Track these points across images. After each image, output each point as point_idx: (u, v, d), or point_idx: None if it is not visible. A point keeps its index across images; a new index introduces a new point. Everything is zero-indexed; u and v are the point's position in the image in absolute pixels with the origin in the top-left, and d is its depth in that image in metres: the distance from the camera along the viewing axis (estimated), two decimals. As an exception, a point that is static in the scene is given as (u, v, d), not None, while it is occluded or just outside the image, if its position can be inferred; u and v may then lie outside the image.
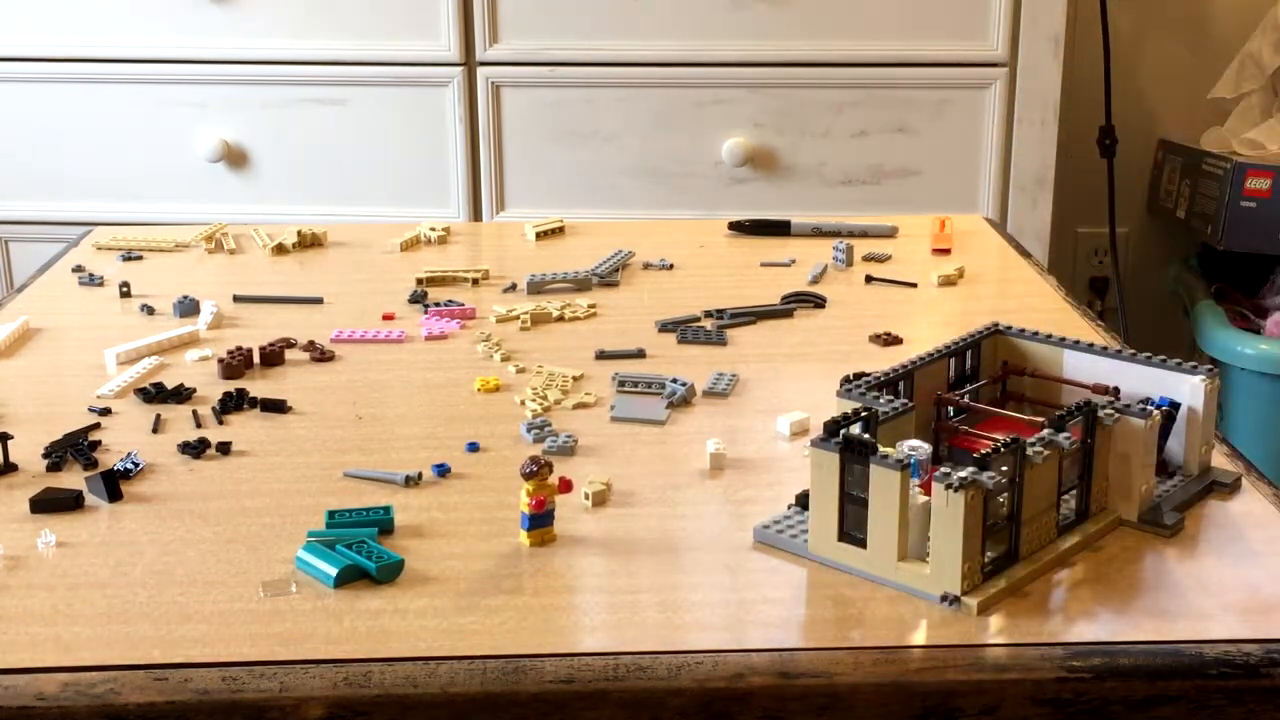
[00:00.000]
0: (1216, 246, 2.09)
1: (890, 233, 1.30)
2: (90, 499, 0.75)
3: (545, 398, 0.88)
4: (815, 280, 1.16)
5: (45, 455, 0.80)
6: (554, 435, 0.82)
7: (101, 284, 1.17)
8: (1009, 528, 0.65)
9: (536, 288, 1.13)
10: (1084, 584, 0.66)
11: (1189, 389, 0.75)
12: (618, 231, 1.33)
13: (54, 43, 1.88)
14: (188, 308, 1.08)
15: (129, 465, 0.78)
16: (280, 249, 1.27)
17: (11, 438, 0.80)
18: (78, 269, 1.21)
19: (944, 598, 0.63)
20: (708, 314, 1.06)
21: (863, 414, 0.69)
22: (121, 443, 0.82)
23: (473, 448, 0.81)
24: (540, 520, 0.70)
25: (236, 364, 0.94)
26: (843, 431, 0.66)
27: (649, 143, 1.85)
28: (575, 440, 0.81)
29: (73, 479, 0.77)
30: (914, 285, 1.15)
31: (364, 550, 0.67)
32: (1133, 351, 0.78)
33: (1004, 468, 0.64)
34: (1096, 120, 2.21)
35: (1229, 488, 0.75)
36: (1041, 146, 1.92)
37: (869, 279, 1.16)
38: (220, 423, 0.85)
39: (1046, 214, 1.94)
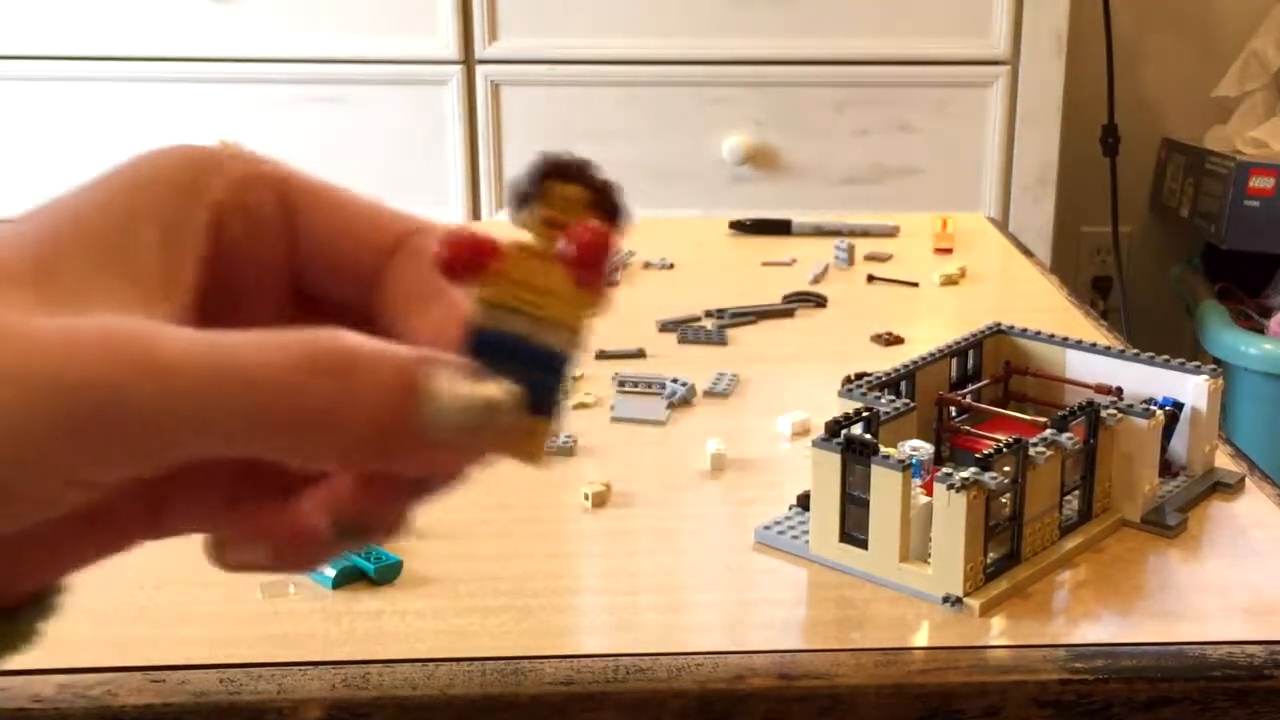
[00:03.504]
0: (1220, 246, 2.09)
1: (892, 232, 1.30)
2: (88, 499, 0.74)
3: (545, 397, 0.88)
4: (816, 279, 1.16)
5: (43, 455, 0.79)
6: (554, 435, 0.81)
7: (101, 283, 1.16)
8: (1011, 528, 0.65)
9: (537, 287, 1.12)
10: (1087, 585, 0.66)
11: (1192, 389, 0.74)
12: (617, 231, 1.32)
13: (53, 41, 1.88)
14: (187, 307, 1.08)
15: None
16: (280, 248, 1.26)
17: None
18: (77, 268, 1.20)
19: (946, 599, 0.62)
20: (708, 314, 1.06)
21: (864, 414, 0.69)
22: (119, 443, 0.82)
23: (472, 448, 0.80)
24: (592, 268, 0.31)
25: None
26: (844, 432, 0.66)
27: (649, 141, 1.85)
28: (575, 440, 0.81)
29: (70, 479, 0.77)
30: (916, 285, 1.14)
31: (362, 551, 0.66)
32: (1136, 351, 0.77)
33: (1006, 468, 0.64)
34: (1099, 119, 2.21)
35: (1232, 488, 0.75)
36: (1044, 145, 1.91)
37: (870, 278, 1.16)
38: (219, 423, 0.85)
39: (1049, 213, 1.94)
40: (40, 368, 0.27)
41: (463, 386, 0.29)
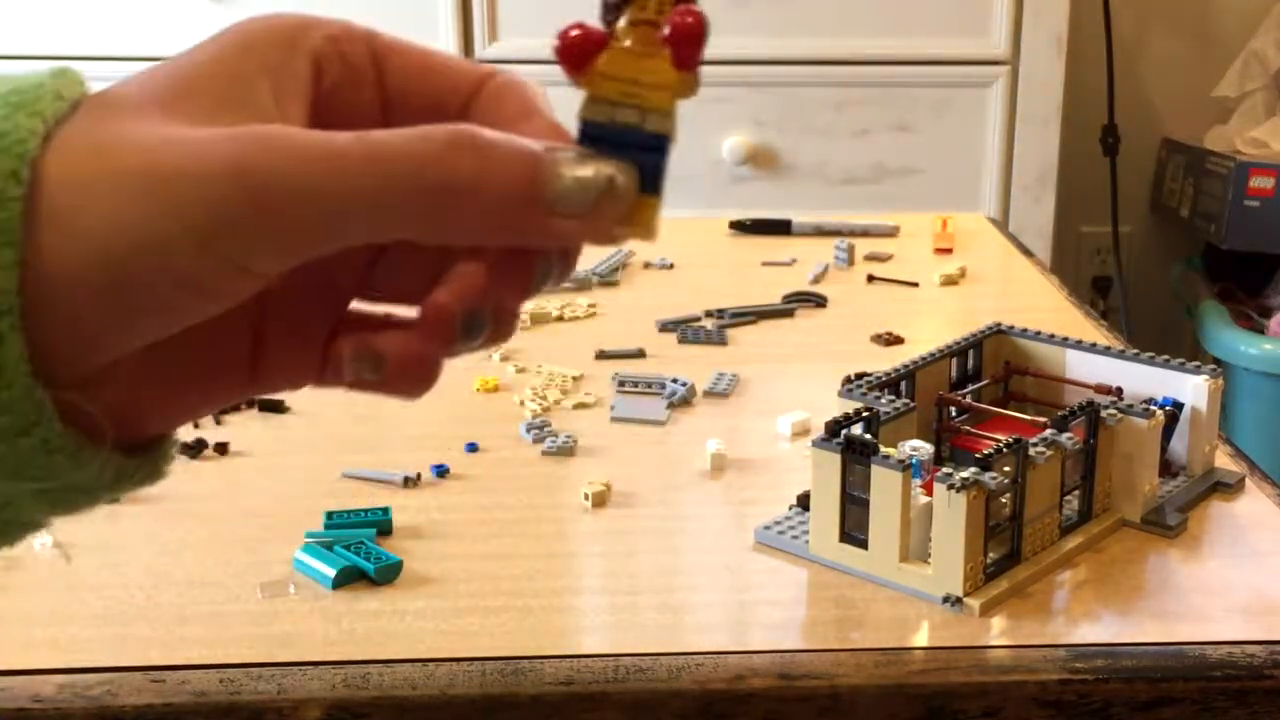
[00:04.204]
0: (1220, 246, 2.09)
1: (892, 232, 1.30)
2: (88, 499, 0.74)
3: (545, 398, 0.88)
4: (816, 279, 1.16)
5: (43, 455, 0.79)
6: (554, 435, 0.82)
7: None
8: (1011, 528, 0.65)
9: (537, 287, 1.12)
10: (1087, 585, 0.66)
11: (1192, 389, 0.74)
12: (618, 230, 1.32)
13: (53, 41, 1.88)
14: (187, 307, 1.08)
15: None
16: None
17: (9, 438, 0.80)
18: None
19: (946, 599, 0.62)
20: (708, 314, 1.06)
21: (864, 414, 0.69)
22: (120, 443, 0.82)
23: (472, 448, 0.81)
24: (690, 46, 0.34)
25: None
26: (844, 432, 0.66)
27: (650, 142, 1.85)
28: (575, 440, 0.81)
29: (70, 479, 0.77)
30: (915, 285, 1.14)
31: (362, 551, 0.66)
32: (1135, 351, 0.77)
33: (1006, 468, 0.64)
34: (1099, 119, 2.21)
35: (1232, 488, 0.75)
36: (1044, 145, 1.91)
37: (870, 278, 1.16)
38: (218, 423, 0.85)
39: (1049, 213, 1.94)
40: (211, 160, 0.31)
41: (584, 164, 0.33)
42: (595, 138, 0.34)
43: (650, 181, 0.34)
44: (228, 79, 0.34)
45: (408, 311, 0.37)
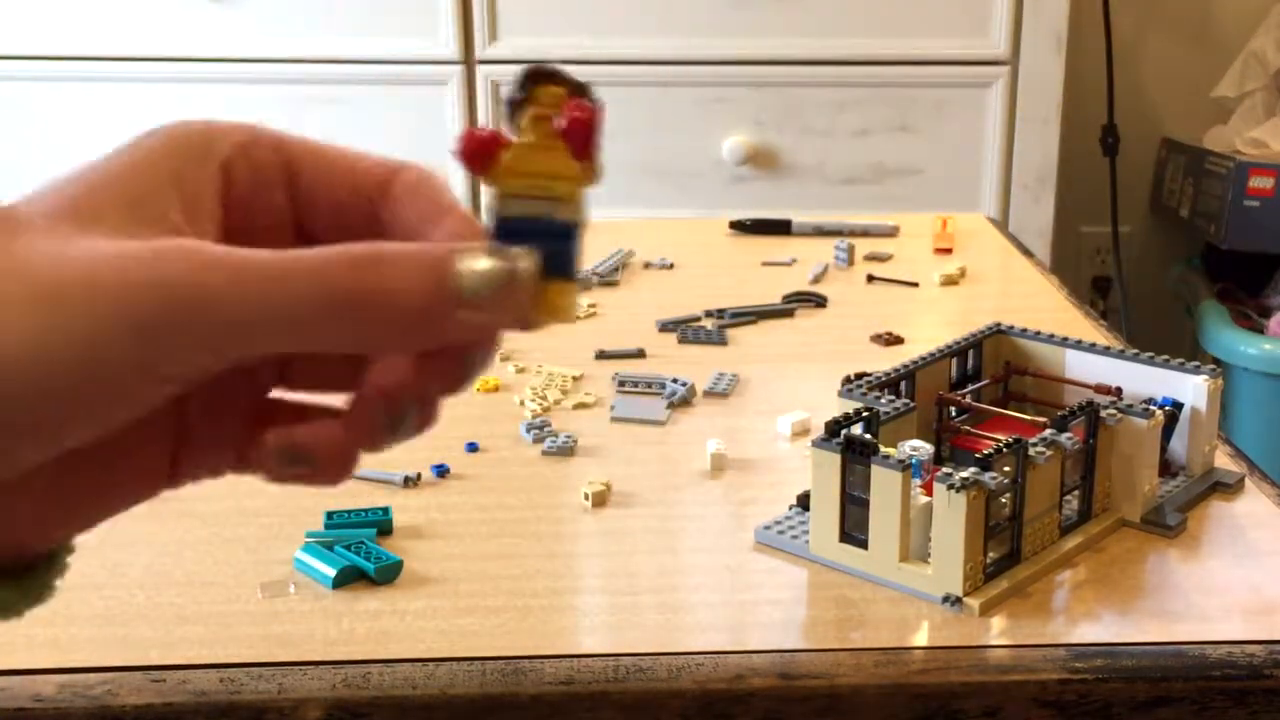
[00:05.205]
0: (1220, 246, 2.09)
1: (891, 232, 1.30)
2: (88, 499, 0.74)
3: (545, 398, 0.88)
4: (816, 279, 1.16)
5: (43, 455, 0.79)
6: (554, 435, 0.82)
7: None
8: (1011, 528, 0.65)
9: (537, 287, 1.12)
10: (1086, 585, 0.66)
11: (1192, 389, 0.74)
12: (618, 230, 1.32)
13: (52, 41, 1.88)
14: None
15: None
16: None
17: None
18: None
19: (946, 599, 0.62)
20: (708, 314, 1.06)
21: (864, 414, 0.69)
22: (120, 443, 0.82)
23: (472, 448, 0.81)
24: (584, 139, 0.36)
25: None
26: (844, 432, 0.66)
27: (649, 141, 1.85)
28: (575, 440, 0.81)
29: (70, 479, 0.77)
30: (915, 285, 1.14)
31: (362, 551, 0.66)
32: (1135, 351, 0.77)
33: (1006, 468, 0.64)
34: (1099, 119, 2.21)
35: (1232, 488, 0.75)
36: (1044, 145, 1.91)
37: (870, 278, 1.16)
38: (219, 423, 0.85)
39: (1049, 213, 1.94)
40: (134, 273, 0.31)
41: (487, 259, 0.34)
42: (508, 231, 0.35)
43: (561, 268, 0.35)
44: (137, 194, 0.34)
45: (325, 399, 0.38)
